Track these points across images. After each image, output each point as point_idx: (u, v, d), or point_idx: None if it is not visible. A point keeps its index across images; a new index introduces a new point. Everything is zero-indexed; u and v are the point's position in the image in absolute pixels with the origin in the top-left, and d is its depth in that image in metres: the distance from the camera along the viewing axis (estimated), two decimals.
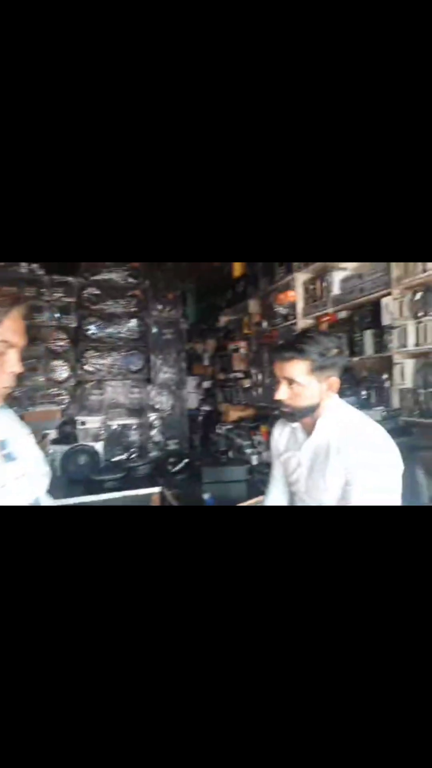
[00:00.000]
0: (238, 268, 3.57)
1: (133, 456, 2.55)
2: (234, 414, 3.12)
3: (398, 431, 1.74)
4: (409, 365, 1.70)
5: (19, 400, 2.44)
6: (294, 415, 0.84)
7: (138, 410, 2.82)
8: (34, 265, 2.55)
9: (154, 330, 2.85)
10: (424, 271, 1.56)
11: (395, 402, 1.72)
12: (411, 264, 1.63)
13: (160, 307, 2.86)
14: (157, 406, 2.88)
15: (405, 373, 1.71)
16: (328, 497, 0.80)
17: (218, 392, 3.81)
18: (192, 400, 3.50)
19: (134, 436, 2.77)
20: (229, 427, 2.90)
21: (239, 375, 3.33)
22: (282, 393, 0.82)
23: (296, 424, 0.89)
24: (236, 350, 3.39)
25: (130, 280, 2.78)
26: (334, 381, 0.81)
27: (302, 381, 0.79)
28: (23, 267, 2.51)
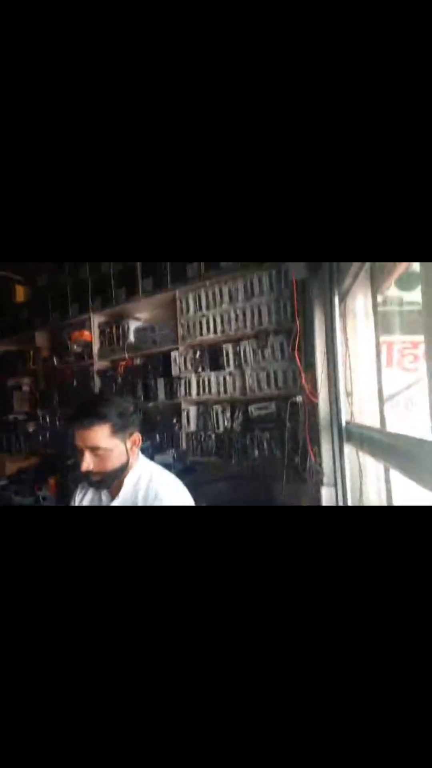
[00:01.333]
0: (20, 293, 3.09)
1: None
2: (12, 466, 2.57)
3: (187, 470, 1.99)
4: (193, 411, 2.00)
5: None
6: (105, 481, 0.80)
7: None
8: None
9: None
10: (201, 334, 1.92)
11: (183, 444, 1.95)
12: (192, 326, 1.96)
13: None
14: None
15: (190, 418, 1.99)
16: None
17: None
18: None
19: None
20: (4, 483, 2.35)
21: (21, 417, 2.80)
22: (88, 463, 0.77)
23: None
24: (17, 387, 2.86)
25: None
26: (137, 436, 0.83)
27: (107, 445, 0.77)
28: None
